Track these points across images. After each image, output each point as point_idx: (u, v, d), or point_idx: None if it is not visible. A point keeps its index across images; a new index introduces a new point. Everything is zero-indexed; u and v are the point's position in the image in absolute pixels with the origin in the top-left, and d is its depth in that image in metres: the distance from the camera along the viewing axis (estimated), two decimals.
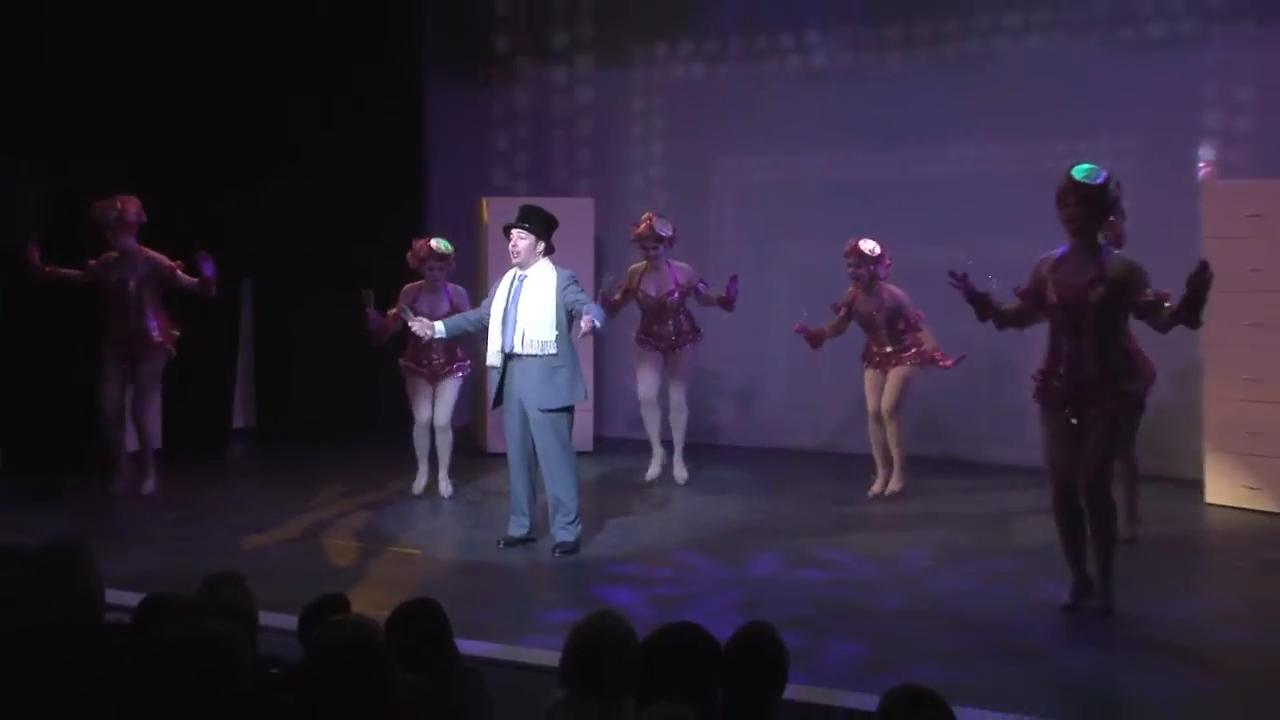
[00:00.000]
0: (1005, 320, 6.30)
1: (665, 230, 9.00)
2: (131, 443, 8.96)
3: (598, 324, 7.07)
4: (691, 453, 9.50)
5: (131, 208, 8.45)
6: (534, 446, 7.34)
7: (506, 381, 7.34)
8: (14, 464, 9.31)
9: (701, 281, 9.18)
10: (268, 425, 11.58)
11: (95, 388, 8.65)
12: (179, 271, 8.67)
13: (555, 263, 7.39)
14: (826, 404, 10.71)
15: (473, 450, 10.55)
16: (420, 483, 8.93)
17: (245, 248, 10.84)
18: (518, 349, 7.23)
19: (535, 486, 7.47)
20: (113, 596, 4.31)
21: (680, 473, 9.32)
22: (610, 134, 11.65)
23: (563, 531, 7.33)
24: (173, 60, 10.00)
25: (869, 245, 8.49)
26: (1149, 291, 5.90)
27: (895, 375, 8.62)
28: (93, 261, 8.56)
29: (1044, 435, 6.21)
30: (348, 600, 4.25)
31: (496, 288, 7.52)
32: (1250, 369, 8.21)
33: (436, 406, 8.81)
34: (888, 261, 8.51)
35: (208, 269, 8.52)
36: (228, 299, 10.93)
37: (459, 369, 8.83)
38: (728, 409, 11.08)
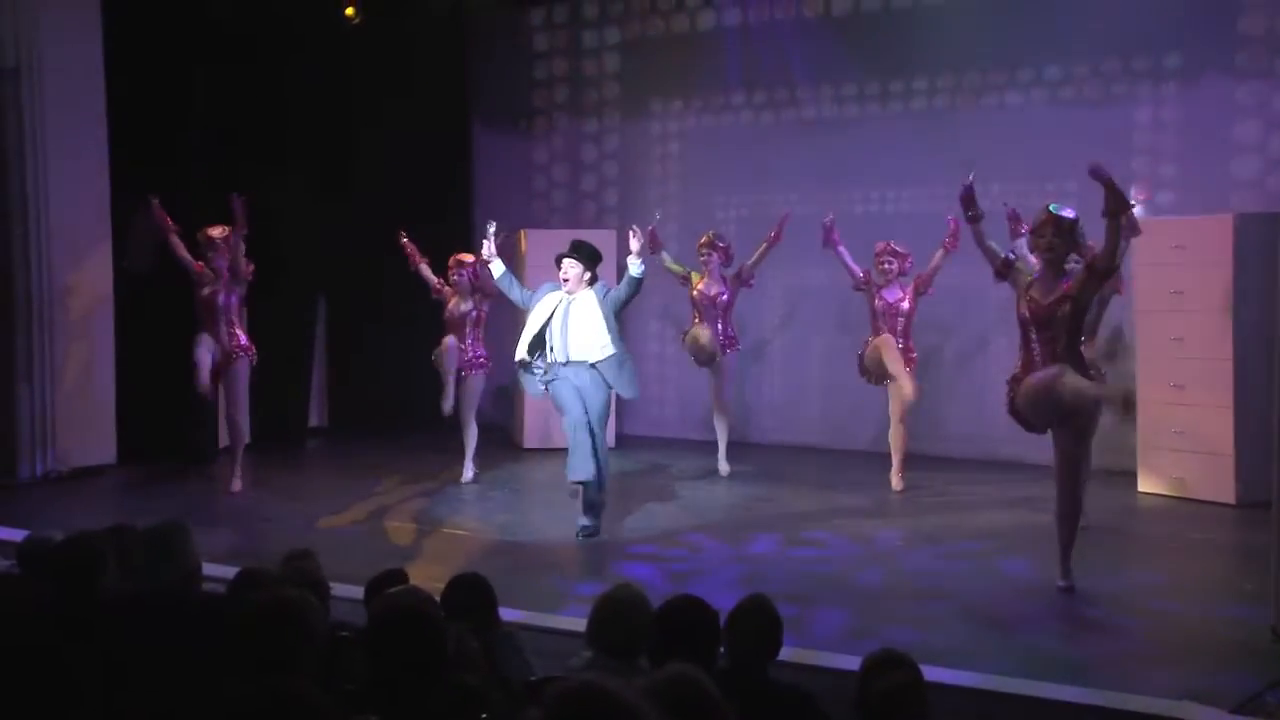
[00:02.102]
0: (981, 238, 6.24)
1: (721, 241, 9.14)
2: (224, 438, 9.00)
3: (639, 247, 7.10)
4: (706, 450, 9.49)
5: (233, 236, 8.39)
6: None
7: (561, 380, 7.21)
8: (131, 457, 9.36)
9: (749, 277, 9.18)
10: (339, 424, 11.62)
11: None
12: (175, 236, 8.42)
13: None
14: (814, 404, 10.73)
15: (511, 445, 10.59)
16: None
17: (318, 271, 10.91)
18: (572, 359, 7.19)
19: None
20: (210, 570, 4.37)
21: (724, 467, 9.29)
22: (633, 175, 11.69)
23: (587, 518, 7.30)
24: (253, 110, 10.06)
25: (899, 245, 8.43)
26: (1081, 262, 5.96)
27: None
28: (200, 264, 8.44)
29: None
30: (406, 574, 4.28)
31: (540, 298, 7.35)
32: (1175, 377, 8.23)
33: (462, 402, 8.85)
34: (912, 260, 8.42)
35: (239, 206, 8.28)
36: (304, 315, 11.04)
37: (481, 366, 8.89)
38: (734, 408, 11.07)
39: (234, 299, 8.48)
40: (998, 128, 9.70)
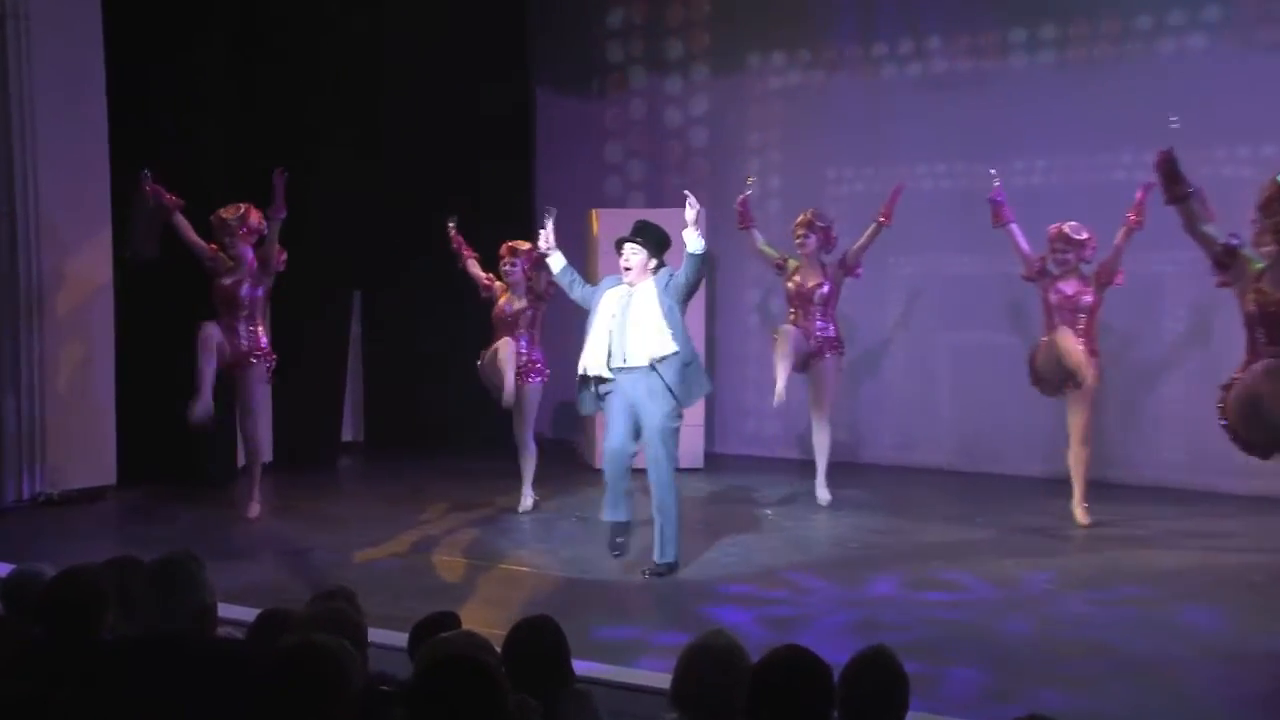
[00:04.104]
0: (1193, 219, 6.07)
1: (821, 221, 9.05)
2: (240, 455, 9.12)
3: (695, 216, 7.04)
4: (813, 472, 9.42)
5: (254, 216, 8.54)
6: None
7: (614, 392, 7.28)
8: (134, 477, 9.51)
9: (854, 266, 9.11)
10: (377, 439, 11.76)
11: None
12: (179, 215, 8.52)
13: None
14: (949, 420, 10.62)
15: (579, 466, 10.61)
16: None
17: (353, 262, 11.03)
18: (628, 363, 7.23)
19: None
20: (225, 610, 4.41)
21: (823, 494, 9.22)
22: (725, 144, 11.66)
23: (661, 551, 7.28)
24: (279, 74, 10.23)
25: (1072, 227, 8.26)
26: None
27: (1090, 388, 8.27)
28: (214, 246, 8.57)
29: None
30: (458, 617, 4.28)
31: (601, 294, 7.42)
32: None
33: (518, 418, 8.91)
34: (1095, 246, 8.26)
35: (280, 183, 8.47)
36: (337, 312, 11.16)
37: (538, 374, 8.92)
38: (844, 425, 11.00)
39: (259, 292, 8.60)
40: (1174, 81, 9.46)
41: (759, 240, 9.23)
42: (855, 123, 10.95)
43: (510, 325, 8.89)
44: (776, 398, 8.65)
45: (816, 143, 11.20)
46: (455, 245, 9.08)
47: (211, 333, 8.40)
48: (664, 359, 7.12)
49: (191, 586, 3.91)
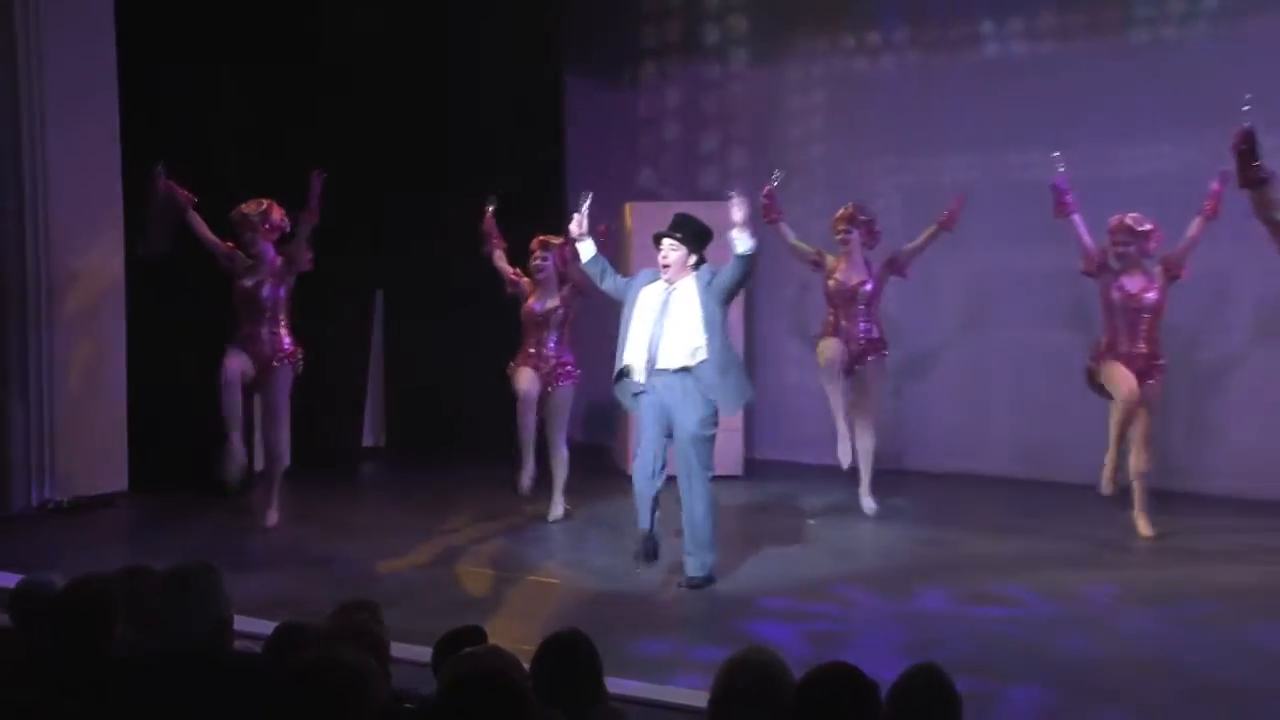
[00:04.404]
0: (1270, 207, 6.01)
1: (864, 215, 8.99)
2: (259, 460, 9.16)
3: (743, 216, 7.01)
4: (858, 478, 9.38)
5: (277, 213, 8.56)
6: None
7: (648, 394, 7.25)
8: (146, 484, 9.56)
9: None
10: (400, 443, 11.80)
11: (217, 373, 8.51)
12: (194, 211, 8.56)
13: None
14: (1001, 424, 10.57)
15: (611, 472, 10.62)
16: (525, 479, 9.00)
17: (375, 259, 11.06)
18: (663, 365, 7.20)
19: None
20: (241, 623, 4.42)
21: (868, 503, 9.17)
22: (765, 134, 11.65)
23: (695, 563, 7.27)
24: (296, 66, 10.29)
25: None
26: None
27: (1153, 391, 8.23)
28: (231, 244, 8.59)
29: None
30: (484, 631, 4.29)
31: (637, 288, 7.39)
32: None
33: (549, 422, 8.90)
34: (1160, 239, 8.16)
35: (317, 185, 8.52)
36: (359, 311, 11.20)
37: (569, 376, 8.91)
38: (889, 429, 10.95)
39: (282, 292, 8.61)
40: (1246, 63, 9.28)
41: (789, 235, 9.17)
42: (903, 111, 10.90)
43: (540, 325, 8.88)
44: (843, 459, 8.77)
45: (862, 133, 11.17)
46: (485, 229, 9.05)
47: (234, 368, 8.39)
48: (702, 362, 7.10)
49: (207, 598, 3.93)
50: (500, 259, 9.09)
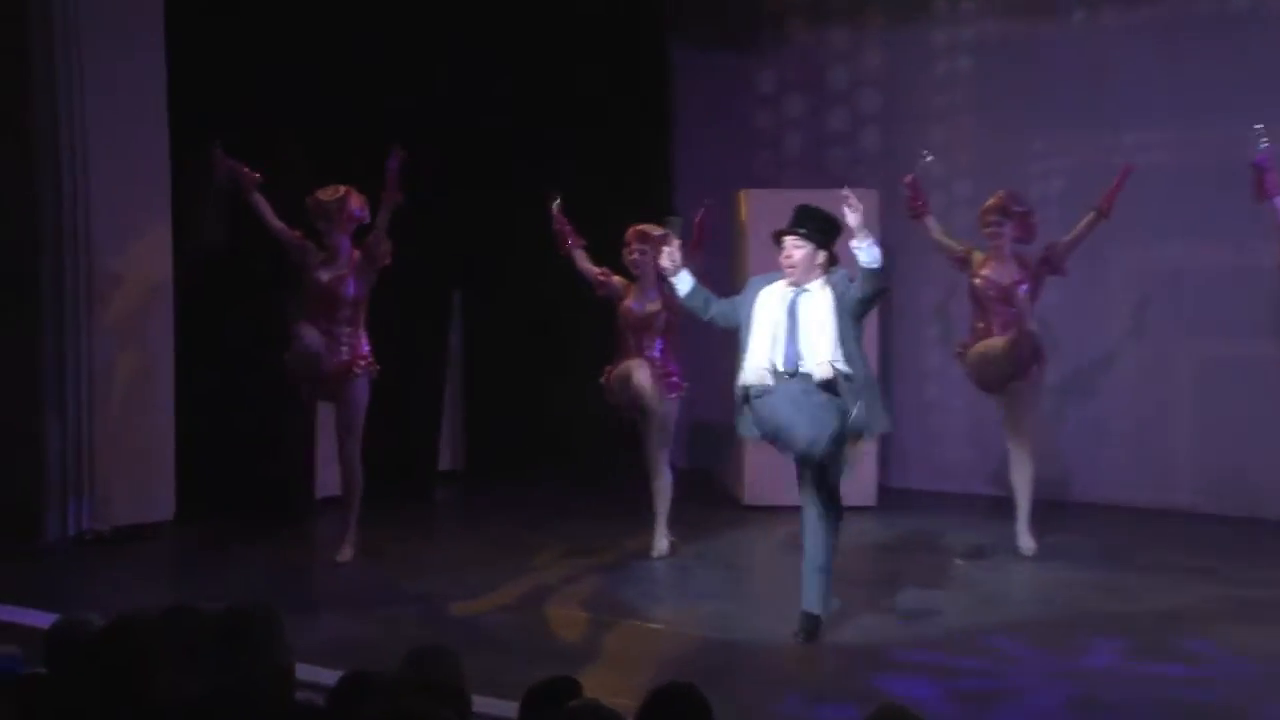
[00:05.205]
0: None
1: (1018, 205, 8.88)
2: (330, 486, 9.20)
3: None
4: (1012, 511, 9.25)
5: (355, 201, 8.64)
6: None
7: (774, 395, 7.06)
8: (196, 511, 9.64)
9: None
10: (480, 467, 11.87)
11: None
12: (258, 194, 8.65)
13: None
14: (1184, 449, 10.43)
15: (725, 502, 10.59)
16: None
17: (455, 256, 11.14)
18: (803, 369, 7.00)
19: None
20: (303, 672, 4.46)
21: (1026, 541, 9.03)
22: (903, 109, 11.61)
23: (812, 602, 7.17)
24: (366, 37, 10.40)
25: None
26: None
27: None
28: (300, 233, 8.68)
29: None
30: (578, 683, 4.28)
31: (754, 297, 7.24)
32: None
33: (646, 440, 8.90)
34: None
35: (395, 164, 8.62)
36: (435, 317, 11.28)
37: (674, 389, 8.88)
38: (1049, 455, 10.81)
39: (363, 290, 8.70)
40: None
41: (935, 230, 9.10)
42: (1066, 81, 10.81)
43: (641, 328, 8.85)
44: None
45: (1017, 107, 11.07)
46: (558, 229, 9.06)
47: (315, 338, 8.44)
48: (844, 375, 6.99)
49: (264, 643, 3.97)
50: (582, 259, 9.08)
